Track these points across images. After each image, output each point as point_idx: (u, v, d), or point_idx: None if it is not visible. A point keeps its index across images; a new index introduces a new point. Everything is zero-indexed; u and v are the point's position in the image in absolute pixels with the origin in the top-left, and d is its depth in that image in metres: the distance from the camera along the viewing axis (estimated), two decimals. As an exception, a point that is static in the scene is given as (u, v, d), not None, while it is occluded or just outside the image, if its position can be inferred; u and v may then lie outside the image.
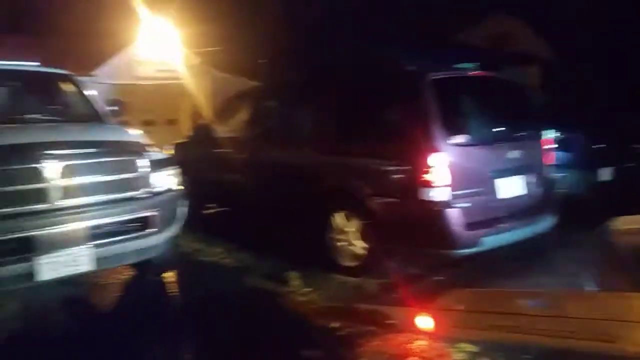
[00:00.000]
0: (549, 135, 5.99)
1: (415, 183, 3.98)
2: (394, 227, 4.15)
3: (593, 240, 4.76)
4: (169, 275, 4.54)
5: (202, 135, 6.50)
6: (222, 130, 6.25)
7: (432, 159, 3.90)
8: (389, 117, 4.49)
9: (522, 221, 4.31)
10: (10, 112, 4.65)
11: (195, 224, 6.06)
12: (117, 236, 3.57)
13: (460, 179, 3.99)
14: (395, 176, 4.17)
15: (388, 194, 4.19)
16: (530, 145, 4.66)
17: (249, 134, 5.66)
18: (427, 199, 3.92)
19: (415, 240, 4.11)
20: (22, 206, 3.20)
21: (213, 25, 18.90)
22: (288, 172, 5.12)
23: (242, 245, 5.33)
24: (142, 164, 3.74)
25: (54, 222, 3.26)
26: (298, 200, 4.94)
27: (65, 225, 3.31)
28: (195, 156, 6.51)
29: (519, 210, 4.35)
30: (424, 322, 3.36)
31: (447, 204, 3.91)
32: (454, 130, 4.09)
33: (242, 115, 5.95)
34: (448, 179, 3.91)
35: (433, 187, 3.90)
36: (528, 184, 4.49)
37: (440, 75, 4.24)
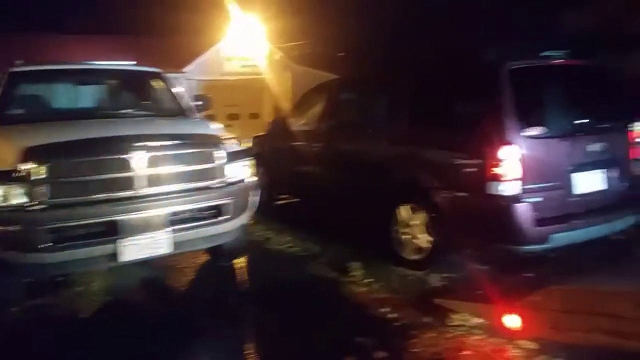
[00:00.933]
0: (638, 127, 5.55)
1: (484, 176, 3.88)
2: (460, 221, 4.10)
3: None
4: (239, 262, 4.82)
5: (279, 128, 6.77)
6: (298, 123, 6.46)
7: (503, 152, 3.79)
8: (464, 109, 4.38)
9: (599, 218, 4.06)
10: (107, 108, 5.21)
11: (268, 214, 6.40)
12: (193, 222, 3.87)
13: (533, 173, 3.84)
14: (464, 169, 4.09)
15: (456, 186, 4.12)
16: (614, 138, 4.36)
17: (324, 127, 5.80)
18: (495, 192, 3.82)
19: (481, 234, 4.03)
20: (111, 193, 3.57)
21: (295, 19, 19.34)
22: (359, 165, 5.20)
23: (311, 234, 5.52)
24: (219, 155, 4.02)
25: (137, 208, 3.61)
26: (367, 192, 5.00)
27: (147, 211, 3.64)
28: (271, 148, 6.81)
29: (596, 207, 4.10)
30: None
31: (516, 198, 3.78)
32: (529, 122, 3.92)
33: (318, 108, 6.10)
34: (518, 173, 3.78)
35: (502, 180, 3.79)
36: (609, 179, 4.21)
37: (519, 65, 4.08)
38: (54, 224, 3.38)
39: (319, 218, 6.20)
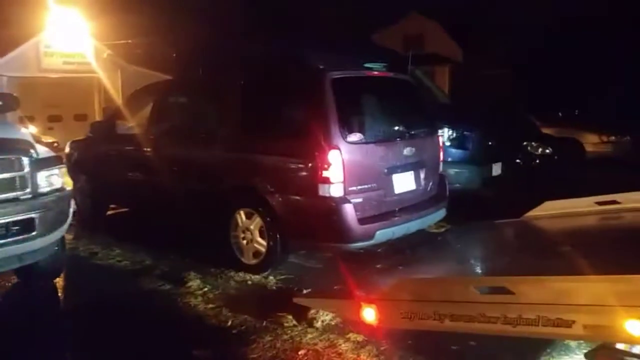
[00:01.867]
0: (446, 132, 6.38)
1: (313, 179, 4.05)
2: (293, 223, 4.22)
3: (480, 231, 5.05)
4: (59, 281, 4.30)
5: (103, 132, 6.22)
6: (125, 126, 6.01)
7: (329, 156, 3.99)
8: (291, 115, 4.54)
9: (415, 214, 4.53)
10: None
11: (94, 226, 5.84)
12: (-9, 241, 3.32)
13: (356, 175, 4.12)
14: (295, 173, 4.23)
15: (288, 190, 4.24)
16: (425, 143, 4.90)
17: (154, 130, 5.48)
18: (323, 194, 4.01)
19: (313, 235, 4.19)
20: None
21: (125, 16, 18.09)
22: (193, 170, 5.03)
23: (143, 246, 5.18)
24: (21, 162, 3.51)
25: None
26: (202, 198, 4.86)
27: None
28: (95, 154, 6.22)
29: (412, 204, 4.57)
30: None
31: (342, 200, 4.02)
32: (351, 128, 4.21)
33: (148, 111, 5.74)
34: (343, 175, 4.02)
35: (329, 183, 3.99)
36: (422, 179, 4.71)
37: (340, 74, 4.34)
38: None
39: (152, 228, 5.85)
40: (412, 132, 4.78)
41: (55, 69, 16.97)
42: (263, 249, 4.35)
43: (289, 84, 4.56)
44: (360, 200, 4.11)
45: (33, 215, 3.53)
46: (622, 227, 3.49)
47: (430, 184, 4.84)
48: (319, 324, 3.36)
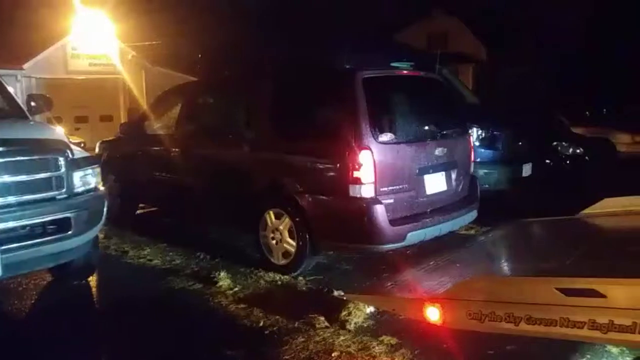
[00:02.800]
0: (476, 132, 6.27)
1: (343, 180, 4.02)
2: (323, 224, 4.19)
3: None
4: (92, 280, 4.35)
5: (132, 132, 6.31)
6: (154, 127, 6.10)
7: (360, 157, 3.96)
8: (321, 115, 4.51)
9: (446, 216, 4.46)
10: None
11: (124, 225, 5.91)
12: (30, 240, 3.38)
13: (387, 176, 4.08)
14: (325, 173, 4.20)
15: (318, 191, 4.22)
16: (457, 143, 4.82)
17: (183, 131, 5.53)
18: (354, 195, 3.97)
19: (343, 236, 4.16)
20: None
21: (149, 18, 18.33)
22: (222, 170, 5.06)
23: (173, 245, 5.22)
24: (58, 163, 3.56)
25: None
26: (232, 198, 4.88)
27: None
28: (124, 154, 6.31)
29: (443, 206, 4.50)
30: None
31: (374, 200, 3.97)
32: (382, 128, 4.16)
33: (176, 111, 5.80)
34: (375, 176, 3.97)
35: (360, 183, 3.96)
36: (453, 180, 4.64)
37: (371, 74, 4.30)
38: None
39: (181, 228, 5.89)
40: (443, 132, 4.71)
41: (82, 71, 17.31)
42: (292, 250, 4.34)
43: (320, 84, 4.54)
44: (391, 201, 4.06)
45: (69, 215, 3.57)
46: None
47: (462, 185, 4.77)
48: (351, 326, 3.33)
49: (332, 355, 3.05)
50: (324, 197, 4.19)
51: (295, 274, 4.30)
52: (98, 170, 3.92)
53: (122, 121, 13.11)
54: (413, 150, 4.33)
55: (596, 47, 20.30)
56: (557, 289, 2.16)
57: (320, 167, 4.23)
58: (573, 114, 10.80)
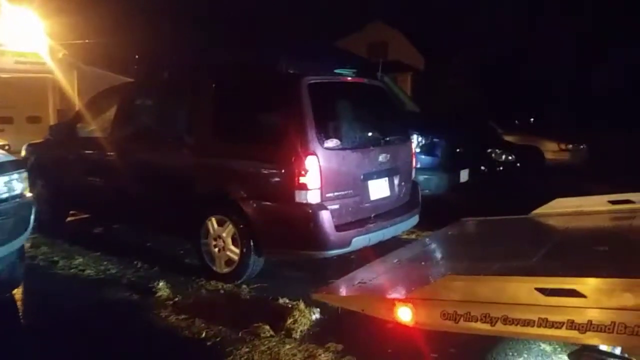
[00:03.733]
0: (416, 139, 6.44)
1: (289, 186, 3.98)
2: (268, 231, 4.12)
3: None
4: (17, 293, 4.03)
5: (63, 135, 5.95)
6: (88, 130, 5.79)
7: (306, 162, 3.93)
8: (266, 120, 4.47)
9: (390, 221, 4.52)
10: None
11: (55, 233, 5.56)
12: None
13: (333, 182, 4.08)
14: (270, 179, 4.14)
15: (263, 197, 4.14)
16: (399, 149, 4.91)
17: (120, 134, 5.27)
18: (300, 201, 3.94)
19: (289, 243, 4.11)
20: None
21: (82, 16, 17.48)
22: (161, 176, 4.86)
23: (108, 254, 4.97)
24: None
25: None
26: (171, 205, 4.70)
27: None
28: (54, 158, 5.95)
29: (386, 211, 4.57)
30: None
31: (319, 206, 3.95)
32: (327, 134, 4.16)
33: (111, 114, 5.52)
34: (320, 182, 3.96)
35: (306, 189, 3.93)
36: (396, 185, 4.72)
37: (316, 79, 4.28)
38: None
39: (116, 236, 5.61)
40: (387, 139, 4.79)
41: (6, 69, 16.17)
42: (236, 257, 4.24)
43: (264, 88, 4.47)
44: (337, 206, 4.06)
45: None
46: None
47: (404, 190, 4.86)
48: (297, 334, 3.29)
49: (278, 365, 3.00)
50: (269, 203, 4.12)
51: (239, 282, 4.20)
52: (25, 175, 3.65)
53: (52, 123, 12.38)
54: (358, 156, 4.36)
55: (525, 57, 21.58)
56: (536, 288, 2.15)
57: (265, 172, 4.16)
58: (504, 122, 11.42)
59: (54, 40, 16.96)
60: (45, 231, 5.59)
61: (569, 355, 2.69)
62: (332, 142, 4.15)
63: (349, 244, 4.07)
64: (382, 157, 4.55)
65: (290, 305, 3.63)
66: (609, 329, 1.97)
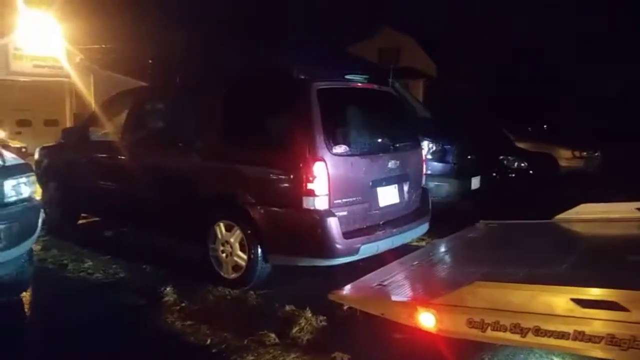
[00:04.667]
0: (427, 146, 6.38)
1: (296, 192, 3.95)
2: (275, 237, 4.10)
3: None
4: (25, 296, 4.05)
5: (75, 138, 6.00)
6: (99, 134, 5.83)
7: (314, 168, 3.89)
8: (275, 125, 4.45)
9: (399, 228, 4.46)
10: None
11: (65, 236, 5.59)
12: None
13: (341, 188, 4.04)
14: (278, 185, 4.11)
15: (271, 202, 4.12)
16: (409, 156, 4.86)
17: (130, 138, 5.30)
18: (307, 207, 3.90)
19: (296, 249, 4.08)
20: None
21: (99, 20, 17.72)
22: (171, 180, 4.86)
23: (117, 258, 4.97)
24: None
25: None
26: (180, 209, 4.70)
27: None
28: (66, 161, 5.99)
29: (395, 218, 4.51)
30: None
31: (327, 213, 3.92)
32: (336, 140, 4.12)
33: (123, 118, 5.56)
34: (328, 188, 3.92)
35: (314, 195, 3.89)
36: (405, 192, 4.67)
37: (326, 85, 4.26)
38: None
39: (125, 240, 5.62)
40: (396, 145, 4.74)
41: (25, 72, 16.44)
42: (243, 263, 4.21)
43: (274, 93, 4.46)
44: (345, 213, 4.02)
45: (-2, 227, 3.31)
46: None
47: (414, 197, 4.80)
48: (303, 342, 3.25)
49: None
50: (276, 209, 4.09)
51: (246, 288, 4.17)
52: (33, 178, 3.67)
53: (68, 126, 12.55)
54: (367, 162, 4.32)
55: (541, 68, 21.42)
56: (572, 299, 2.02)
57: (273, 178, 4.13)
58: (517, 129, 11.28)
59: (71, 44, 17.21)
60: (56, 234, 5.63)
61: None
62: (340, 148, 4.12)
63: (357, 251, 4.02)
64: (391, 164, 4.51)
65: (296, 313, 3.58)
66: None
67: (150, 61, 6.64)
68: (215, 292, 4.15)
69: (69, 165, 5.94)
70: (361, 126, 4.71)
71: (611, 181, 8.90)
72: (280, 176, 4.09)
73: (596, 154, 11.20)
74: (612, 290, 2.03)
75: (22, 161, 3.76)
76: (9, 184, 3.40)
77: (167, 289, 4.06)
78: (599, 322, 1.96)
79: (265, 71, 4.89)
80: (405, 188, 4.66)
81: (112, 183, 5.40)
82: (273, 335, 3.31)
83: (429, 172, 6.02)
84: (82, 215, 6.25)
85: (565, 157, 10.63)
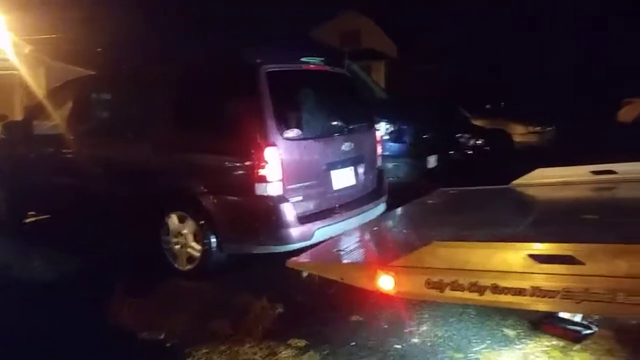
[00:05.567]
0: (384, 126, 6.39)
1: (249, 178, 3.87)
2: (229, 226, 4.02)
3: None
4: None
5: (19, 133, 5.71)
6: (44, 127, 5.58)
7: (265, 154, 3.82)
8: (225, 111, 4.30)
9: (354, 210, 4.44)
10: None
11: (11, 235, 5.36)
12: None
13: (295, 173, 3.99)
14: (230, 172, 4.03)
15: (223, 191, 4.03)
16: (364, 137, 4.83)
17: (77, 130, 5.09)
18: (260, 194, 3.84)
19: (251, 237, 4.01)
20: None
21: (49, 10, 16.92)
22: (121, 171, 4.70)
23: (67, 255, 4.80)
24: None
25: None
26: (131, 202, 4.55)
27: None
28: (11, 157, 5.73)
29: (352, 201, 4.49)
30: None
31: (281, 199, 3.86)
32: (288, 124, 4.06)
33: (67, 110, 5.33)
34: (282, 173, 3.86)
35: (267, 182, 3.82)
36: (361, 174, 4.65)
37: (275, 68, 4.16)
38: None
39: (76, 236, 5.43)
40: (350, 127, 4.70)
41: (-31, 66, 15.63)
42: (197, 254, 4.13)
43: (223, 79, 4.33)
44: (299, 198, 3.98)
45: None
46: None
47: (370, 178, 4.79)
48: (258, 331, 3.20)
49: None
50: (229, 198, 4.01)
51: (201, 279, 4.09)
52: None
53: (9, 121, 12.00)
54: (320, 145, 4.27)
55: (495, 41, 21.74)
56: (529, 255, 2.04)
57: (225, 166, 4.05)
58: (474, 107, 11.44)
59: (19, 35, 16.39)
60: (1, 233, 5.39)
61: (531, 322, 2.63)
62: (293, 132, 4.05)
63: (312, 236, 3.98)
64: (345, 146, 4.47)
65: (252, 302, 3.53)
66: (608, 297, 1.87)
67: (98, 50, 6.36)
68: (169, 285, 4.05)
69: (13, 161, 5.68)
70: (314, 109, 4.64)
71: (564, 154, 9.16)
72: (232, 163, 4.01)
73: (550, 129, 11.47)
74: (567, 244, 2.06)
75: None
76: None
77: (120, 283, 3.93)
78: (555, 277, 1.98)
79: (215, 56, 4.74)
80: (361, 170, 4.65)
81: (59, 178, 5.19)
82: (228, 325, 3.26)
83: (386, 152, 6.04)
84: (30, 212, 5.99)
85: (519, 133, 10.86)
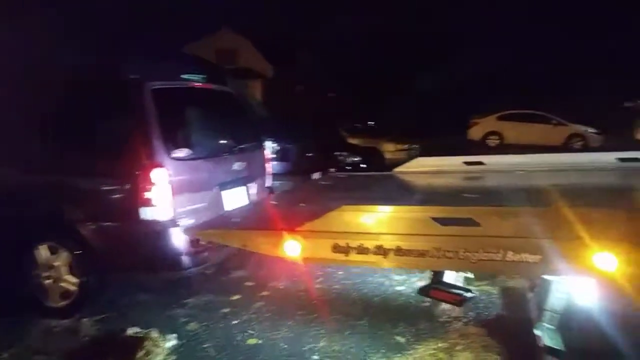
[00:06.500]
0: (269, 146, 6.41)
1: (133, 202, 3.58)
2: (110, 255, 3.67)
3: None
4: None
5: None
6: None
7: (151, 175, 3.57)
8: (106, 130, 3.92)
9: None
10: None
11: None
12: None
13: (184, 195, 3.78)
14: (112, 196, 3.69)
15: (104, 217, 3.67)
16: (254, 156, 4.78)
17: None
18: (148, 219, 3.57)
19: (137, 266, 3.70)
20: None
21: None
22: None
23: None
24: None
25: None
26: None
27: None
28: None
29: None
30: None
31: (171, 223, 3.63)
32: (176, 143, 3.84)
33: None
34: (170, 196, 3.64)
35: (154, 205, 3.57)
36: (252, 194, 4.58)
37: (161, 85, 3.92)
38: None
39: None
40: (241, 146, 4.62)
41: None
42: (74, 288, 3.71)
43: (103, 95, 3.93)
44: (191, 222, 3.76)
45: None
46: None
47: (261, 197, 4.73)
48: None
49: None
50: (111, 224, 3.66)
51: (79, 315, 3.66)
52: None
53: None
54: (210, 165, 4.13)
55: (368, 64, 23.26)
56: (432, 218, 2.13)
57: (106, 189, 3.70)
58: (347, 127, 12.43)
59: None
60: None
61: (419, 291, 2.83)
62: (181, 152, 3.85)
63: (206, 260, 3.81)
64: (236, 165, 4.38)
65: (141, 336, 3.26)
66: (500, 256, 2.04)
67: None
68: (40, 326, 3.57)
69: None
70: (202, 128, 4.47)
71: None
72: (114, 186, 3.68)
73: (415, 146, 12.75)
74: (467, 207, 2.24)
75: None
76: None
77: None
78: (455, 238, 2.12)
79: (94, 69, 4.30)
80: (252, 190, 4.58)
81: None
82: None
83: (272, 171, 6.05)
84: None
85: (389, 150, 11.87)
